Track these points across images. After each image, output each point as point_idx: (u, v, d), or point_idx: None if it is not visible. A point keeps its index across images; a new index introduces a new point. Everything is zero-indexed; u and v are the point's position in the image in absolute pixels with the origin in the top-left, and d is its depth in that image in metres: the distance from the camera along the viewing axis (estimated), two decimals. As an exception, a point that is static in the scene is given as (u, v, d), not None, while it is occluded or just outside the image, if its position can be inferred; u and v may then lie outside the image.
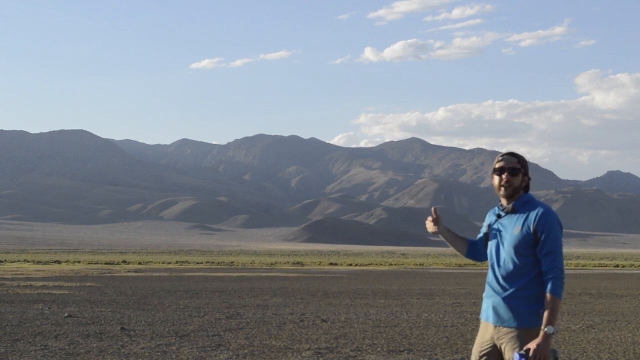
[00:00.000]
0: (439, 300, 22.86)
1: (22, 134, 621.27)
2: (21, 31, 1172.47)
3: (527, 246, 4.80)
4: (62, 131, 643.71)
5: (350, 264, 69.52)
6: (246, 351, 11.46)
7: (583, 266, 73.15)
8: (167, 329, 14.11)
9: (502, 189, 4.95)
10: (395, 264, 72.17)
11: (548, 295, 4.70)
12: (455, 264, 71.31)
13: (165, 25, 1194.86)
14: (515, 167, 4.95)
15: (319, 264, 69.17)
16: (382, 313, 18.05)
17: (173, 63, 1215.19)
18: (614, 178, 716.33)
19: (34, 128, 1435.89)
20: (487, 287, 4.98)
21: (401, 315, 17.47)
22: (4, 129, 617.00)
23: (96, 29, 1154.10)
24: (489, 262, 5.00)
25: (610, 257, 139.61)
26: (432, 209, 5.34)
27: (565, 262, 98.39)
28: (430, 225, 5.27)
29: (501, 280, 4.85)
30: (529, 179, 5.01)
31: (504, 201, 4.99)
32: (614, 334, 14.26)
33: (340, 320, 16.26)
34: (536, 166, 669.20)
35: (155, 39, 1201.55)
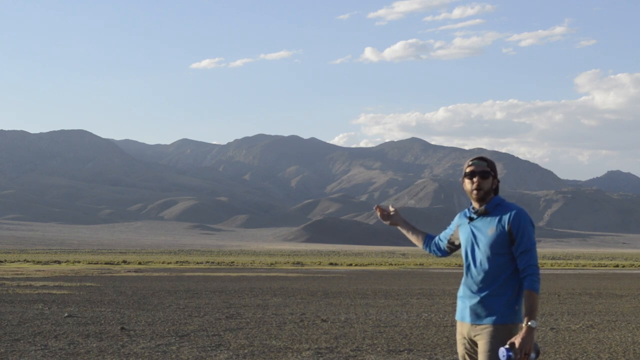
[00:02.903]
0: (439, 300, 22.86)
1: (22, 134, 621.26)
2: (21, 31, 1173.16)
3: (503, 246, 4.99)
4: (62, 131, 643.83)
5: (350, 264, 69.53)
6: (246, 351, 11.45)
7: (583, 266, 73.16)
8: (167, 329, 14.10)
9: (474, 192, 5.14)
10: (395, 264, 72.19)
11: (527, 291, 4.90)
12: (455, 264, 71.27)
13: (165, 25, 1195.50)
14: (485, 170, 5.15)
15: (319, 264, 69.18)
16: (382, 313, 18.05)
17: (173, 63, 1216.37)
18: (614, 178, 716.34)
19: (34, 128, 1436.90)
20: (463, 288, 5.15)
21: (401, 315, 17.47)
22: (4, 129, 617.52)
23: (96, 29, 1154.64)
24: (464, 263, 5.18)
25: (610, 257, 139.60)
26: (390, 206, 5.72)
27: (565, 262, 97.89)
28: (383, 217, 5.67)
29: (478, 281, 5.04)
30: (499, 181, 5.22)
31: (475, 204, 5.17)
32: (614, 334, 14.25)
33: (340, 320, 16.25)
34: (536, 166, 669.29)
35: (155, 39, 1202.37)
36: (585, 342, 13.05)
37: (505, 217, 5.00)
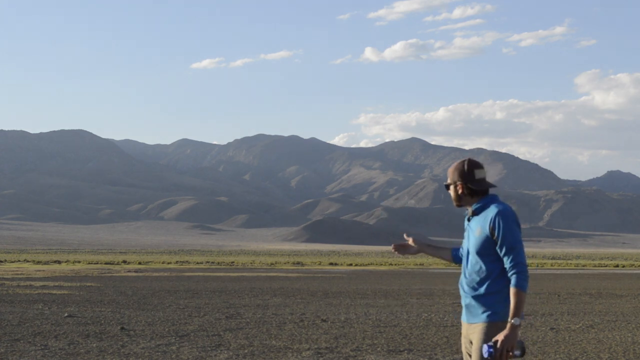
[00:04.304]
0: (439, 300, 22.87)
1: (22, 134, 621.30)
2: (21, 31, 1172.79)
3: (487, 246, 5.07)
4: (62, 131, 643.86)
5: (350, 264, 69.54)
6: (246, 351, 11.46)
7: (583, 266, 73.19)
8: (167, 329, 14.11)
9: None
10: (395, 264, 72.19)
11: (513, 289, 4.94)
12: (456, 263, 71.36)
13: (165, 25, 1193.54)
14: (446, 184, 5.34)
15: (319, 264, 69.21)
16: (382, 313, 18.06)
17: (173, 63, 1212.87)
18: (614, 178, 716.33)
19: (34, 128, 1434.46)
20: (459, 289, 5.27)
21: (401, 315, 17.48)
22: (4, 129, 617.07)
23: (96, 29, 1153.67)
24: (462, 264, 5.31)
25: (610, 257, 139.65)
26: (405, 235, 5.66)
27: (565, 262, 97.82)
28: (402, 250, 5.58)
29: (470, 280, 5.13)
30: (464, 184, 5.18)
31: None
32: (614, 334, 14.26)
33: (340, 320, 16.26)
34: (536, 166, 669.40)
35: (155, 39, 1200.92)
36: (585, 342, 13.05)
37: (488, 218, 5.07)
